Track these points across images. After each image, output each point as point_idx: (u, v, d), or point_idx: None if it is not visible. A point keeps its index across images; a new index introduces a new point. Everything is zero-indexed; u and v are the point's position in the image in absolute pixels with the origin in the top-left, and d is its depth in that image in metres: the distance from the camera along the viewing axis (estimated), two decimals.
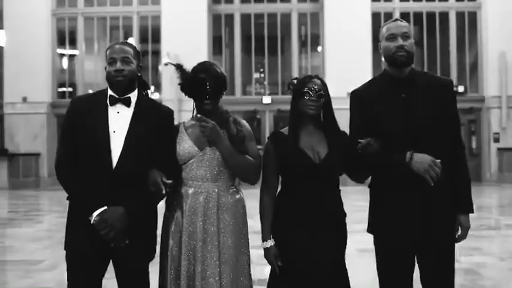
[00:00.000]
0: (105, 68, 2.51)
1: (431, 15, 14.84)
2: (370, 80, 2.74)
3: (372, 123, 2.50)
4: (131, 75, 2.49)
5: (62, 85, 15.57)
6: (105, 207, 2.37)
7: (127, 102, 2.51)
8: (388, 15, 14.77)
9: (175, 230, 2.57)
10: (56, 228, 7.69)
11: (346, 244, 2.62)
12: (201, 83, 2.56)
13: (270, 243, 2.56)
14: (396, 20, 2.59)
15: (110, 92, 2.51)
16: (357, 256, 5.07)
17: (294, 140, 2.57)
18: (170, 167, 2.55)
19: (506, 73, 14.18)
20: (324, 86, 2.59)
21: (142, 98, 2.58)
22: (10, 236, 7.35)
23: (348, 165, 2.60)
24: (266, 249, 2.57)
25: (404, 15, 14.43)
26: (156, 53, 15.44)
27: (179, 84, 2.65)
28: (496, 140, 14.38)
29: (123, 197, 2.39)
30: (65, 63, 15.79)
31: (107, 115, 2.48)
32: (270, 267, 2.56)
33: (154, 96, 15.35)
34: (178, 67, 2.64)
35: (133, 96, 2.54)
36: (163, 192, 2.43)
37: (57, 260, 5.38)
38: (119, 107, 2.50)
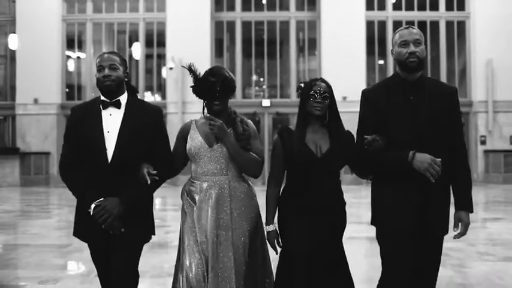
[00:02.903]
0: (96, 76, 2.76)
1: (422, 24, 15.46)
2: (381, 81, 2.87)
3: (381, 122, 2.62)
4: (118, 80, 2.73)
5: (71, 87, 16.19)
6: (102, 198, 2.62)
7: (117, 105, 2.74)
8: (382, 24, 15.57)
9: (198, 223, 2.76)
10: (72, 219, 8.39)
11: (343, 230, 2.84)
12: (211, 85, 2.76)
13: (272, 227, 2.81)
14: (409, 27, 2.68)
15: (102, 98, 2.77)
16: (344, 243, 5.80)
17: (300, 136, 2.76)
18: (162, 159, 2.77)
19: (493, 79, 14.91)
20: (328, 88, 2.77)
21: (132, 100, 2.81)
22: (35, 226, 8.05)
23: (353, 161, 2.78)
24: (268, 233, 2.82)
25: (397, 24, 15.11)
26: (161, 57, 16.14)
27: (191, 86, 2.86)
28: (483, 143, 15.06)
29: (118, 189, 2.63)
30: (74, 66, 16.40)
31: (101, 118, 2.73)
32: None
33: (158, 98, 16.06)
34: (191, 71, 2.83)
35: (123, 99, 2.78)
36: (148, 183, 2.63)
37: (82, 244, 6.09)
38: (111, 109, 2.74)
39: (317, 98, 2.72)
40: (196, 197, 2.81)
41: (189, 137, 2.87)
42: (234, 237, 2.76)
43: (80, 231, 2.79)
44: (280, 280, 2.78)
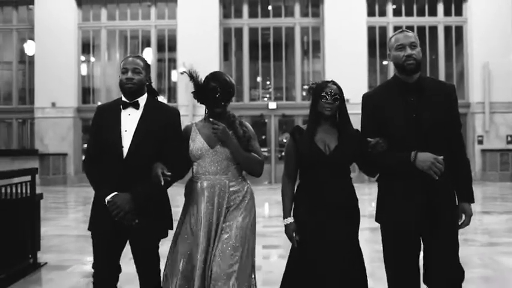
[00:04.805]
0: (119, 77, 2.89)
1: (421, 29, 16.06)
2: (381, 85, 2.89)
3: (382, 124, 2.65)
4: (139, 83, 2.86)
5: (86, 91, 16.87)
6: (116, 193, 2.74)
7: (136, 106, 2.87)
8: (383, 29, 16.19)
9: (197, 217, 2.85)
10: None
11: (357, 228, 2.83)
12: (212, 90, 2.87)
13: (290, 220, 2.82)
14: (403, 31, 2.71)
15: (123, 99, 2.90)
16: None
17: (310, 135, 2.82)
18: (176, 159, 2.86)
19: (489, 82, 15.48)
20: (339, 90, 2.82)
21: (151, 101, 2.93)
22: (63, 219, 8.81)
23: (360, 161, 2.82)
24: (286, 226, 2.82)
25: (397, 29, 15.31)
26: (171, 61, 16.80)
27: (192, 92, 2.97)
28: (480, 142, 15.64)
29: (131, 185, 2.75)
30: (89, 71, 17.09)
31: (120, 117, 2.86)
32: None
33: (169, 101, 16.69)
34: (192, 77, 2.95)
35: (142, 100, 2.90)
36: (162, 184, 2.71)
37: None
38: (130, 110, 2.88)
39: (328, 98, 2.78)
40: (197, 196, 2.89)
41: (190, 139, 2.96)
42: (229, 234, 2.82)
43: (95, 224, 2.90)
44: (290, 271, 2.84)
